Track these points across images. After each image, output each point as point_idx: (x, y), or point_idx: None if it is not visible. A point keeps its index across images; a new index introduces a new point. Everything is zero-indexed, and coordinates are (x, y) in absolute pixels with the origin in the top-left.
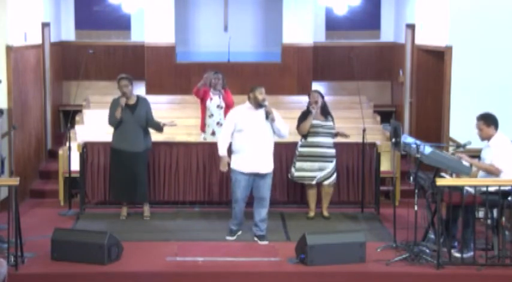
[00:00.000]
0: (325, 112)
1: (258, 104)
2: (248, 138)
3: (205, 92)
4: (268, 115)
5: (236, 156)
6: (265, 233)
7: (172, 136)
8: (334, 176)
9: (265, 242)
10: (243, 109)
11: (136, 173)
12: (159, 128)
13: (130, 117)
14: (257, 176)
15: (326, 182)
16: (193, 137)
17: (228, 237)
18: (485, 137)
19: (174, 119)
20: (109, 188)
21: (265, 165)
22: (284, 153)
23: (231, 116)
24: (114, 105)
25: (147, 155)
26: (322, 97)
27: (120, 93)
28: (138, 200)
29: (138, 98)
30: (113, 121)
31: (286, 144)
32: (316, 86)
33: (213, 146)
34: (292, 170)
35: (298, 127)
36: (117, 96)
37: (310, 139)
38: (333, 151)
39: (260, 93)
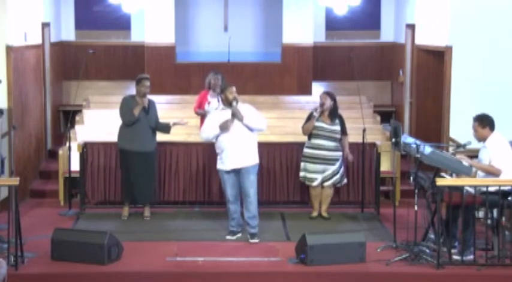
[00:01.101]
0: (333, 115)
1: (229, 104)
2: (224, 137)
3: (203, 97)
4: (233, 116)
5: (219, 156)
6: (256, 231)
7: (174, 136)
8: (337, 177)
9: (255, 241)
10: (218, 110)
11: (149, 173)
12: (167, 129)
13: (144, 118)
14: (239, 172)
15: (326, 184)
16: (193, 137)
17: (229, 237)
18: (480, 138)
19: (174, 119)
20: (122, 190)
21: (243, 160)
22: (284, 153)
23: (209, 115)
24: (127, 104)
25: (156, 155)
26: (333, 99)
27: (137, 92)
28: (151, 201)
29: (148, 99)
30: (132, 119)
31: (286, 145)
32: (316, 86)
33: (213, 147)
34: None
35: (302, 127)
36: (128, 96)
37: (313, 141)
38: (336, 154)
39: (230, 93)
